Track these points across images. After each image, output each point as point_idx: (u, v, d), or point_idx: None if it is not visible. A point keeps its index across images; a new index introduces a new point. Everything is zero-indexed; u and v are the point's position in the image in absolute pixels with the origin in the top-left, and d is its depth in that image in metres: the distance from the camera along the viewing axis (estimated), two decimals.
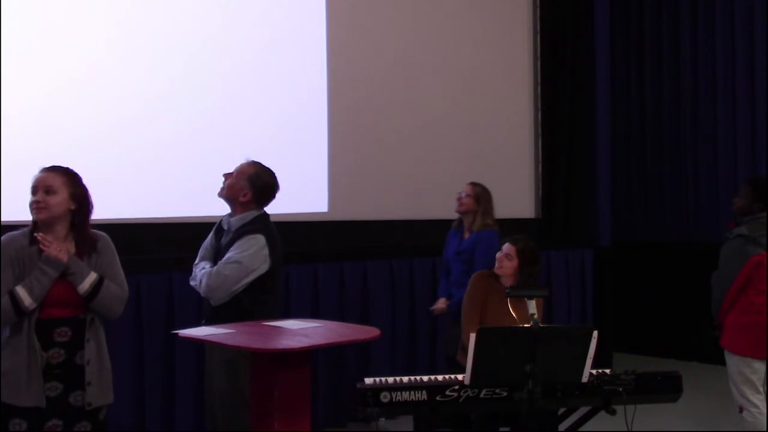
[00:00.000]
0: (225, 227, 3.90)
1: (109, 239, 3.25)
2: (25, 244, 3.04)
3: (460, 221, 5.11)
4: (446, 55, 6.64)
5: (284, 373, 3.38)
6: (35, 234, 3.04)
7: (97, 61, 4.81)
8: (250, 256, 3.72)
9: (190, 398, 4.85)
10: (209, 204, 5.19)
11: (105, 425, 3.18)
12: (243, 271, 3.70)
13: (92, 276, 3.07)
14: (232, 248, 3.73)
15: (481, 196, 5.03)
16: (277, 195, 3.95)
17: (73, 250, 3.08)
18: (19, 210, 4.30)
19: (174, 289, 4.83)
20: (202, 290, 3.75)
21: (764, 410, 4.28)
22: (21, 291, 2.96)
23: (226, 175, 3.90)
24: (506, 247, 4.18)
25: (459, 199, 5.07)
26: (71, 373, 3.05)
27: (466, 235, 5.02)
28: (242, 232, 3.77)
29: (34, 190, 3.06)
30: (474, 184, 5.10)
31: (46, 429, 3.00)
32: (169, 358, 4.79)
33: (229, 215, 3.89)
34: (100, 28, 4.83)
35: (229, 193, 3.86)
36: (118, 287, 3.17)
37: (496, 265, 4.18)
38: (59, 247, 3.01)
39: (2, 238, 3.07)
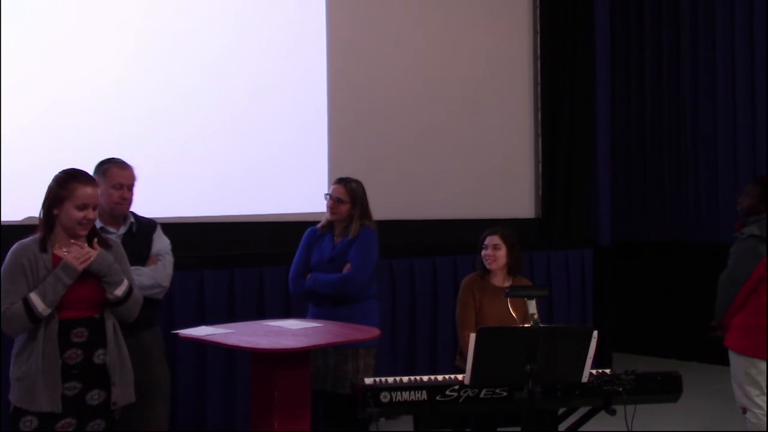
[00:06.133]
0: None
1: (120, 245, 3.32)
2: (36, 252, 3.05)
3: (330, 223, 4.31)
4: (446, 56, 6.65)
5: (284, 373, 3.39)
6: (73, 241, 3.09)
7: (96, 63, 4.80)
8: (168, 242, 3.93)
9: (190, 398, 4.85)
10: (210, 204, 5.21)
11: (117, 423, 3.20)
12: (172, 258, 3.91)
13: (125, 284, 3.15)
14: (156, 242, 3.83)
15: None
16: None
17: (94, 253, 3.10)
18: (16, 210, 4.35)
19: (174, 289, 4.83)
20: (156, 289, 3.76)
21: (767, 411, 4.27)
22: (34, 297, 2.98)
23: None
24: (489, 239, 4.19)
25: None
26: (89, 373, 3.08)
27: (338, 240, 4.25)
28: (147, 224, 3.87)
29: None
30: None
31: (59, 428, 3.02)
32: (169, 358, 4.78)
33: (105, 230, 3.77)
34: (102, 30, 4.83)
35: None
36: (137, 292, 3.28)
37: (487, 261, 4.18)
38: (78, 255, 3.04)
39: (14, 247, 3.08)
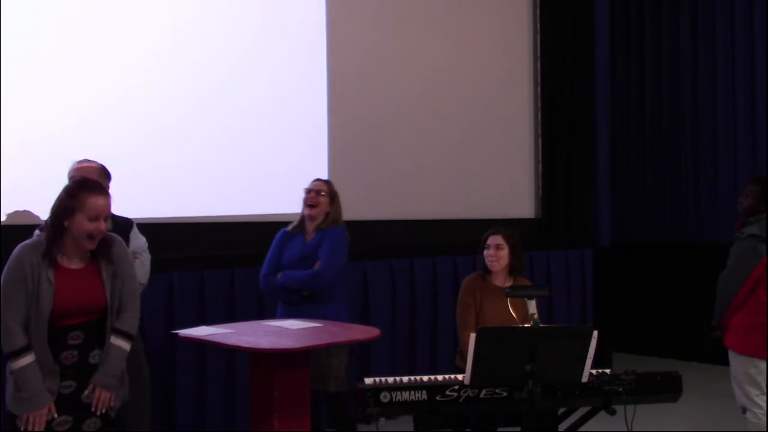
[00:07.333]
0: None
1: (122, 241, 3.26)
2: (39, 258, 2.99)
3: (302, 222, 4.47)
4: (446, 55, 6.64)
5: (284, 373, 3.39)
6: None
7: (99, 67, 4.80)
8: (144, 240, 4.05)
9: (189, 398, 4.85)
10: (210, 204, 5.22)
11: (115, 424, 3.19)
12: (149, 255, 4.04)
13: (125, 379, 3.20)
14: (133, 240, 3.92)
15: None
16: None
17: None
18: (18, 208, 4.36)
19: (174, 289, 4.84)
20: (144, 284, 3.90)
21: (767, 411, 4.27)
22: (17, 363, 2.97)
23: None
24: (492, 239, 4.18)
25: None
26: (84, 372, 3.08)
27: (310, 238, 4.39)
28: (123, 224, 3.91)
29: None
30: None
31: (55, 426, 3.01)
32: (169, 358, 4.80)
33: None
34: (104, 34, 4.83)
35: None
36: (135, 307, 3.20)
37: (489, 261, 4.17)
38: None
39: (18, 249, 3.03)
